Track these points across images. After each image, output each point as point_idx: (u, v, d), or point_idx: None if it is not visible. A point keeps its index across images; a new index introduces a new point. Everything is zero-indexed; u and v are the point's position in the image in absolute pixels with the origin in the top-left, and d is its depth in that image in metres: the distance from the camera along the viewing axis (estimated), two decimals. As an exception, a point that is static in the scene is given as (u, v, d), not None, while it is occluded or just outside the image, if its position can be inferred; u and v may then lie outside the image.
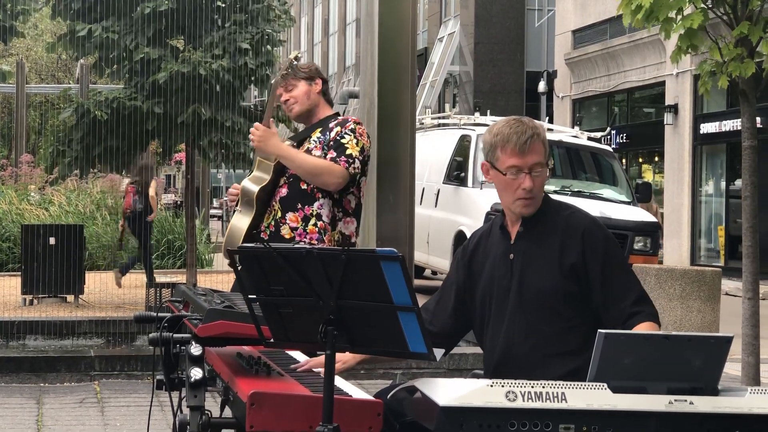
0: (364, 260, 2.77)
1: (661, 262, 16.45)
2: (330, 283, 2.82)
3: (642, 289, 3.52)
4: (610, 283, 3.45)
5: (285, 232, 4.88)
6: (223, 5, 12.64)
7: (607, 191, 14.88)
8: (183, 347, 3.46)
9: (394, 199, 9.20)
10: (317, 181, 4.85)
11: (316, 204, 4.89)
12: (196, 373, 3.29)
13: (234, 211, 5.05)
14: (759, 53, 6.78)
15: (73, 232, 12.80)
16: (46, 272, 12.34)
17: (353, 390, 3.19)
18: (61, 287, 12.49)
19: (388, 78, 9.21)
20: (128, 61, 12.34)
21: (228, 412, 3.34)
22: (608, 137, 23.43)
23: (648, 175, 26.94)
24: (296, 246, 2.96)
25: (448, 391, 2.62)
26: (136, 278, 14.73)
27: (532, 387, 2.63)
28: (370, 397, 3.11)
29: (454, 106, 33.55)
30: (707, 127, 22.93)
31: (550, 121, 22.79)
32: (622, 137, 26.38)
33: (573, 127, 17.99)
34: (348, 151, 4.85)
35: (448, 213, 14.70)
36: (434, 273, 16.73)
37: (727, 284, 15.73)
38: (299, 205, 4.90)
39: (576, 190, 14.44)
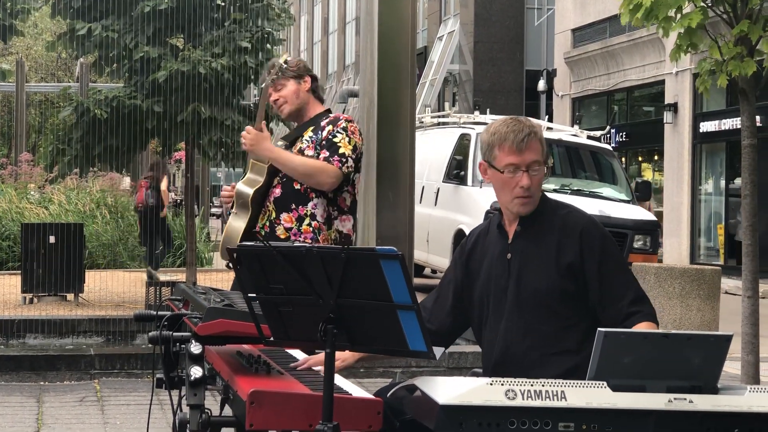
0: (363, 259, 2.77)
1: (660, 261, 16.45)
2: (330, 282, 2.82)
3: (639, 288, 3.52)
4: (608, 283, 3.46)
5: (280, 232, 4.88)
6: (223, 4, 12.64)
7: (606, 190, 14.88)
8: (183, 346, 3.46)
9: (394, 198, 9.21)
10: (311, 181, 4.85)
11: (310, 204, 4.89)
12: (196, 372, 3.29)
13: (229, 212, 5.04)
14: (759, 52, 6.78)
15: (73, 230, 12.79)
16: (45, 271, 12.33)
17: (353, 388, 3.19)
18: (61, 286, 12.49)
19: (387, 77, 9.21)
20: (128, 59, 12.34)
21: (228, 411, 3.35)
22: (608, 136, 23.43)
23: (647, 174, 26.95)
24: (296, 244, 2.96)
25: (448, 390, 2.62)
26: (136, 276, 14.73)
27: (532, 385, 2.63)
28: (370, 396, 3.11)
29: (453, 105, 33.52)
30: (707, 126, 22.93)
31: (550, 120, 22.77)
32: (621, 136, 26.38)
33: (572, 126, 17.98)
34: (341, 150, 4.85)
35: (448, 211, 14.70)
36: (434, 271, 16.74)
37: (727, 283, 15.73)
38: (293, 205, 4.90)
39: (575, 188, 14.44)
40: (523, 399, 2.61)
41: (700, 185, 23.57)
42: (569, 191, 14.03)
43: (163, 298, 10.74)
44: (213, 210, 34.70)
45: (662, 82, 24.45)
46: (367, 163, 9.25)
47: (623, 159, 25.33)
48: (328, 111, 5.08)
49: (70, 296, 12.61)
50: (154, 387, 3.67)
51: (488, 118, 15.96)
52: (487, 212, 12.70)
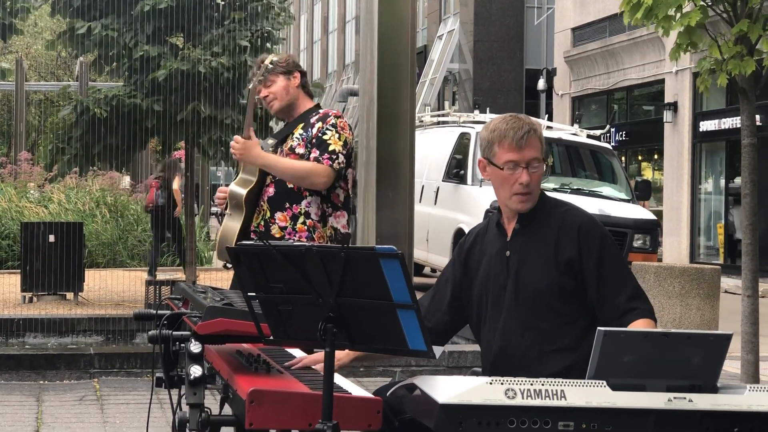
0: (363, 258, 2.77)
1: (660, 260, 16.45)
2: (329, 281, 2.82)
3: (637, 285, 3.52)
4: (606, 280, 3.46)
5: (275, 231, 4.88)
6: (223, 3, 12.64)
7: (606, 189, 14.88)
8: (182, 345, 3.46)
9: (394, 197, 9.20)
10: (304, 183, 4.86)
11: (303, 202, 4.90)
12: (196, 371, 3.29)
13: (224, 214, 5.04)
14: (758, 51, 6.78)
15: (73, 229, 12.80)
16: (45, 270, 12.34)
17: (352, 387, 3.19)
18: (61, 285, 12.50)
19: (387, 76, 9.21)
20: (128, 58, 12.34)
21: (227, 410, 3.34)
22: (607, 135, 23.42)
23: (647, 173, 26.95)
24: (296, 243, 2.96)
25: (448, 389, 2.62)
26: (136, 275, 14.74)
27: (532, 384, 2.63)
28: (370, 395, 3.11)
29: (453, 104, 33.53)
30: (707, 125, 22.93)
31: (550, 119, 22.77)
32: (621, 135, 26.39)
33: (572, 125, 17.97)
34: (331, 147, 4.85)
35: (448, 210, 14.70)
36: (434, 270, 16.73)
37: (727, 282, 15.73)
38: (287, 204, 4.90)
39: (575, 187, 14.44)
40: (522, 398, 2.61)
41: (699, 184, 23.58)
42: (569, 190, 14.03)
43: (162, 297, 10.78)
44: (213, 209, 34.68)
45: (662, 81, 24.45)
46: (367, 162, 9.25)
47: (623, 158, 25.33)
48: (318, 106, 5.07)
49: (70, 295, 12.62)
50: (154, 386, 3.67)
51: (488, 117, 15.95)
52: (487, 211, 12.70)
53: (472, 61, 34.32)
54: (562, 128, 17.07)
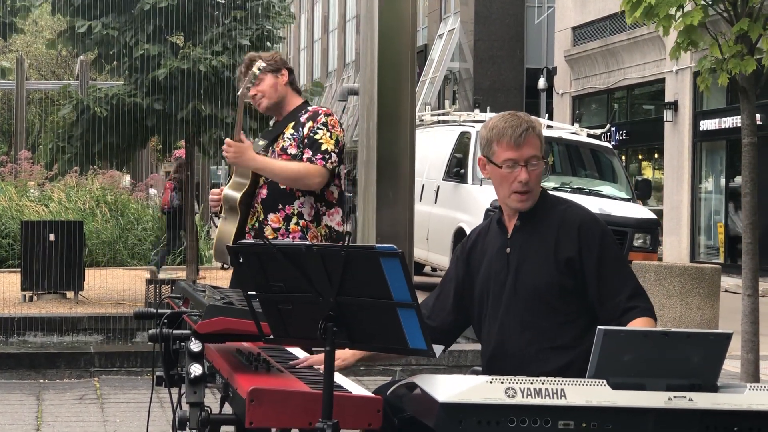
0: (363, 257, 2.77)
1: (660, 259, 16.45)
2: (330, 280, 2.82)
3: (638, 283, 3.52)
4: (606, 278, 3.46)
5: (268, 232, 4.88)
6: (223, 1, 12.64)
7: (606, 188, 14.88)
8: (183, 344, 3.46)
9: (394, 196, 9.20)
10: (299, 185, 4.86)
11: (296, 203, 4.90)
12: (196, 370, 3.29)
13: (218, 217, 5.03)
14: (759, 50, 6.78)
15: (73, 228, 12.80)
16: (45, 269, 12.34)
17: (353, 386, 3.19)
18: (61, 283, 12.49)
19: (388, 75, 9.20)
20: (128, 57, 12.34)
21: (228, 409, 3.35)
22: (608, 134, 23.40)
23: (648, 172, 26.95)
24: (296, 242, 2.96)
25: (448, 388, 2.62)
26: (136, 274, 14.73)
27: (532, 383, 2.63)
28: (370, 394, 3.11)
29: (453, 103, 33.51)
30: (707, 124, 22.93)
31: (550, 118, 22.76)
32: (621, 134, 26.38)
33: (573, 124, 17.96)
34: (323, 147, 4.85)
35: (448, 210, 14.69)
36: (434, 270, 16.74)
37: (727, 281, 15.73)
38: (280, 205, 4.91)
39: (576, 186, 14.43)
40: (522, 397, 2.61)
41: (700, 183, 23.57)
42: (569, 189, 14.03)
43: (162, 296, 10.78)
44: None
45: (662, 80, 24.45)
46: (367, 161, 9.25)
47: (623, 157, 25.33)
48: (306, 103, 5.07)
49: (70, 294, 12.61)
50: (154, 385, 3.67)
51: (488, 116, 15.91)
52: (487, 210, 12.70)
53: (472, 60, 34.32)
54: (562, 127, 17.07)
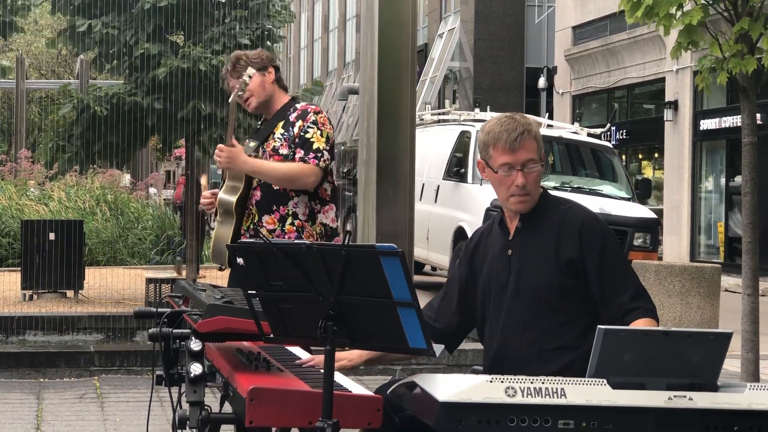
0: (363, 256, 2.77)
1: (660, 259, 16.46)
2: (330, 279, 2.82)
3: (640, 284, 3.52)
4: (608, 279, 3.46)
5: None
6: (223, 1, 12.64)
7: (606, 187, 14.87)
8: (183, 343, 3.46)
9: (394, 195, 9.20)
10: (294, 185, 4.86)
11: (290, 203, 4.90)
12: (196, 369, 3.29)
13: (214, 220, 5.01)
14: (759, 49, 6.78)
15: (73, 227, 12.80)
16: (45, 268, 12.34)
17: (353, 385, 3.19)
18: (61, 283, 12.49)
19: (388, 74, 9.20)
20: (128, 56, 12.34)
21: (228, 408, 3.35)
22: (608, 133, 23.41)
23: (648, 172, 26.95)
24: (296, 241, 2.96)
25: (448, 387, 2.62)
26: (136, 273, 14.73)
27: (532, 383, 2.63)
28: (370, 393, 3.11)
29: (454, 102, 33.55)
30: (707, 124, 22.93)
31: (550, 118, 22.74)
32: (621, 133, 26.38)
33: (573, 124, 17.96)
34: (315, 146, 4.85)
35: (448, 209, 14.69)
36: (434, 269, 16.74)
37: (727, 281, 15.73)
38: (274, 207, 4.91)
39: (576, 186, 14.43)
40: (523, 396, 2.61)
41: (700, 183, 23.57)
42: (569, 189, 14.02)
43: (162, 295, 10.78)
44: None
45: (662, 79, 24.44)
46: (367, 160, 9.25)
47: (623, 156, 25.33)
48: (294, 100, 5.06)
49: (70, 293, 12.61)
50: (154, 384, 3.67)
51: (488, 115, 15.94)
52: (488, 210, 12.70)
53: (472, 60, 34.32)
54: (562, 127, 17.06)
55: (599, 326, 2.75)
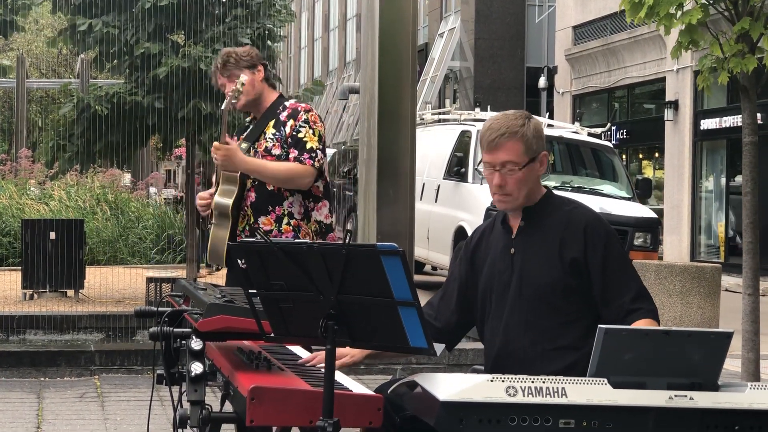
0: (364, 255, 2.77)
1: (660, 258, 16.46)
2: (330, 278, 2.82)
3: (642, 285, 3.52)
4: (611, 279, 3.46)
5: None
6: (224, 0, 12.63)
7: (607, 187, 14.88)
8: (183, 342, 3.46)
9: (395, 194, 9.19)
10: (290, 185, 4.87)
11: (285, 203, 4.90)
12: (197, 368, 3.29)
13: (210, 224, 5.00)
14: (760, 49, 6.78)
15: (74, 226, 12.80)
16: (46, 267, 12.34)
17: (353, 385, 3.19)
18: (62, 282, 12.49)
19: (388, 73, 9.20)
20: (129, 56, 12.34)
21: (228, 407, 3.35)
22: (608, 133, 23.41)
23: (648, 171, 26.94)
24: (297, 240, 2.96)
25: (449, 386, 2.62)
26: (137, 273, 14.73)
27: (533, 382, 2.63)
28: (371, 392, 3.11)
29: (454, 102, 33.52)
30: (707, 123, 22.92)
31: (551, 117, 22.75)
32: (622, 133, 26.37)
33: (573, 123, 17.96)
34: (308, 145, 4.85)
35: (449, 208, 14.69)
36: (434, 268, 16.73)
37: (727, 280, 15.73)
38: (270, 208, 4.91)
39: (576, 185, 14.43)
40: (523, 396, 2.61)
41: (700, 183, 23.57)
42: (570, 188, 14.03)
43: (163, 294, 10.78)
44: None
45: (663, 79, 24.44)
46: (367, 160, 9.24)
47: (624, 156, 25.32)
48: (281, 97, 5.05)
49: (71, 292, 12.61)
50: (155, 383, 3.67)
51: (489, 114, 15.94)
52: (488, 209, 12.69)
53: (473, 59, 34.32)
54: (563, 126, 17.07)
55: (600, 326, 2.75)
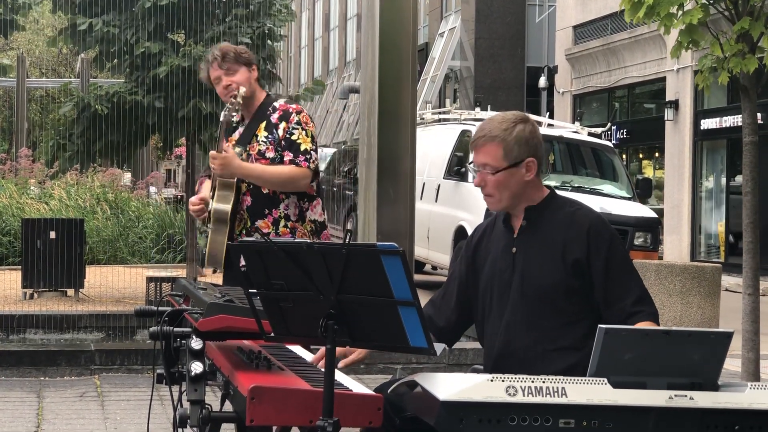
0: (364, 255, 2.77)
1: (661, 258, 16.46)
2: (330, 278, 2.82)
3: (644, 288, 3.52)
4: (613, 281, 3.46)
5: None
6: (224, -1, 12.64)
7: (607, 187, 14.88)
8: (183, 341, 3.46)
9: (395, 194, 9.20)
10: (287, 188, 4.89)
11: (282, 205, 4.92)
12: (197, 367, 3.29)
13: (207, 229, 5.00)
14: (760, 49, 6.78)
15: (74, 226, 12.81)
16: (46, 266, 12.34)
17: (353, 384, 3.19)
18: (62, 281, 12.50)
19: (388, 73, 9.20)
20: (129, 55, 12.34)
21: (228, 406, 3.35)
22: (609, 133, 23.40)
23: (648, 171, 26.94)
24: (297, 240, 2.96)
25: (449, 386, 2.62)
26: (137, 272, 14.74)
27: (533, 382, 2.63)
28: (371, 392, 3.11)
29: (454, 101, 33.51)
30: (708, 123, 22.92)
31: (551, 117, 22.73)
32: (622, 133, 26.37)
33: (573, 123, 17.96)
34: (302, 147, 4.87)
35: (449, 208, 14.69)
36: (434, 268, 16.73)
37: (727, 280, 15.73)
38: (266, 211, 4.92)
39: (576, 185, 14.43)
40: (523, 395, 2.61)
41: (700, 182, 23.56)
42: (570, 188, 14.03)
43: (163, 293, 10.78)
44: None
45: (663, 79, 24.43)
46: (368, 159, 9.25)
47: (624, 156, 25.32)
48: (269, 96, 5.05)
49: (71, 292, 12.62)
50: (155, 382, 3.67)
51: (489, 114, 15.93)
52: (488, 209, 12.68)
53: (473, 59, 34.31)
54: (563, 126, 17.07)
55: (600, 325, 2.75)
